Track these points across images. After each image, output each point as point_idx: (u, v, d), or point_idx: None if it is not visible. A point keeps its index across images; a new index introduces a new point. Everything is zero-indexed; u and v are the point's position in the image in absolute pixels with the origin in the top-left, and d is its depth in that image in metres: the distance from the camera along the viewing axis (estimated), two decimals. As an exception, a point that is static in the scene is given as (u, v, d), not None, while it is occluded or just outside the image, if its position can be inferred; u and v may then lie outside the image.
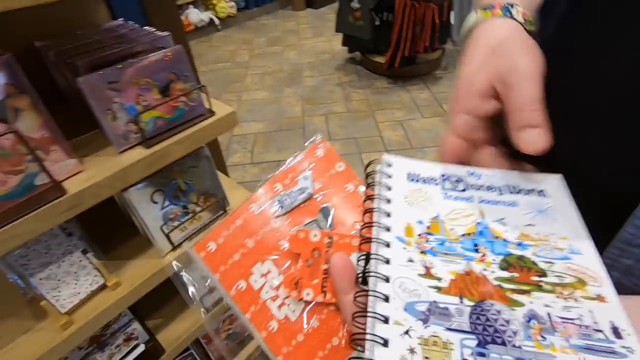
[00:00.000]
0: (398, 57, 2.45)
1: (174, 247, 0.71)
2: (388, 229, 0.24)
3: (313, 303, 0.29)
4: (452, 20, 2.38)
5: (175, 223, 0.70)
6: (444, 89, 2.52)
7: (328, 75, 2.81)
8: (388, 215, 0.25)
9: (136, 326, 0.80)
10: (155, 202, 0.66)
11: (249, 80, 2.85)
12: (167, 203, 0.68)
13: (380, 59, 2.62)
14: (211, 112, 0.66)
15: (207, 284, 0.31)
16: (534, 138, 0.23)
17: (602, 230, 0.25)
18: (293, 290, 0.29)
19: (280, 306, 0.29)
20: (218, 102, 0.69)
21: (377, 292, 0.21)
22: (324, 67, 2.93)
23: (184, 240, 0.73)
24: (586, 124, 0.30)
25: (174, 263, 0.38)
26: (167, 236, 0.69)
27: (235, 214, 0.31)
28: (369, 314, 0.21)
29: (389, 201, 0.26)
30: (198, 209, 0.73)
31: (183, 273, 0.39)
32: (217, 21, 3.74)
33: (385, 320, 0.20)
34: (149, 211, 0.65)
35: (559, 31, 0.32)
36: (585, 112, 0.29)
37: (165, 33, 0.62)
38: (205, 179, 0.73)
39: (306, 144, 0.36)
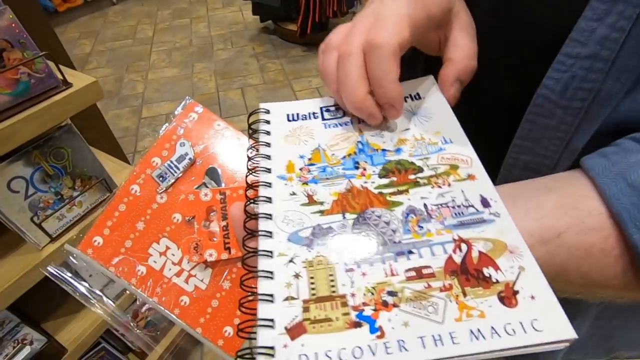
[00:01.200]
0: (309, 24, 2.41)
1: (53, 239, 0.65)
2: (269, 171, 0.25)
3: (222, 268, 0.28)
4: (357, -17, 2.39)
5: (48, 212, 0.63)
6: (358, 53, 2.56)
7: (241, 47, 2.69)
8: (268, 157, 0.26)
9: (27, 330, 0.73)
10: (15, 191, 0.59)
11: (154, 58, 2.62)
12: (32, 191, 0.61)
13: (293, 27, 2.57)
14: (67, 84, 0.59)
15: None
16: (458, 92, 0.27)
17: (502, 142, 0.27)
18: (194, 255, 0.28)
19: (187, 279, 0.28)
20: (76, 72, 0.62)
21: (261, 231, 0.22)
22: (237, 39, 2.79)
23: (66, 229, 0.67)
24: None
25: (51, 267, 0.34)
26: (41, 227, 0.62)
27: (116, 200, 0.29)
28: (257, 253, 0.21)
29: (268, 145, 0.26)
30: (75, 193, 0.67)
31: (66, 274, 0.36)
32: (111, -7, 3.34)
33: (270, 255, 0.21)
34: (8, 202, 0.58)
35: None
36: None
37: (-10, -6, 0.53)
38: (79, 160, 0.67)
39: (177, 110, 0.34)
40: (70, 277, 0.35)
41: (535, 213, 0.22)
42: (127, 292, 0.65)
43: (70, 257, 0.30)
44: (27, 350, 0.68)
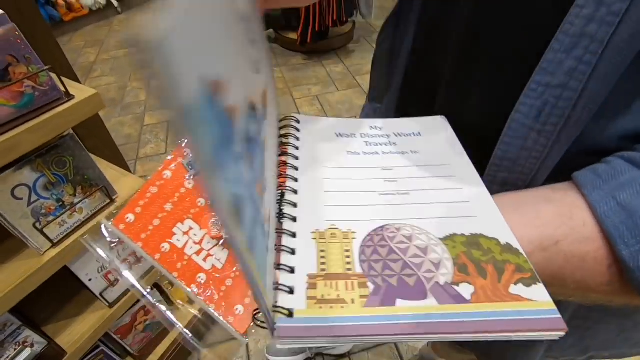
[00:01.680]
0: (309, 33, 2.45)
1: (54, 244, 0.67)
2: (296, 169, 0.28)
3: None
4: (356, -7, 2.43)
5: (50, 218, 0.66)
6: (358, 61, 2.60)
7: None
8: (296, 158, 0.29)
9: (29, 333, 0.75)
10: (18, 198, 0.61)
11: (157, 66, 2.67)
12: (35, 198, 0.64)
13: (294, 36, 2.61)
14: (69, 96, 0.61)
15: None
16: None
17: (480, 158, 0.29)
18: (213, 230, 0.31)
19: (205, 258, 0.30)
20: (78, 85, 0.65)
21: (285, 214, 0.24)
22: (239, 47, 2.84)
23: (67, 235, 0.70)
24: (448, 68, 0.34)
25: (85, 239, 0.36)
26: (42, 233, 0.65)
27: (149, 183, 0.32)
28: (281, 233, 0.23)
29: (297, 148, 0.30)
30: (76, 200, 0.69)
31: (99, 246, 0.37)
32: (115, 3, 3.41)
33: (293, 235, 0.23)
34: (12, 208, 0.61)
35: None
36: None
37: (-2, 11, 0.56)
38: (81, 168, 0.69)
39: None
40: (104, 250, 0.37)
41: (535, 221, 0.23)
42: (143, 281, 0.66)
43: (104, 230, 0.32)
44: (27, 352, 0.70)
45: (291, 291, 0.20)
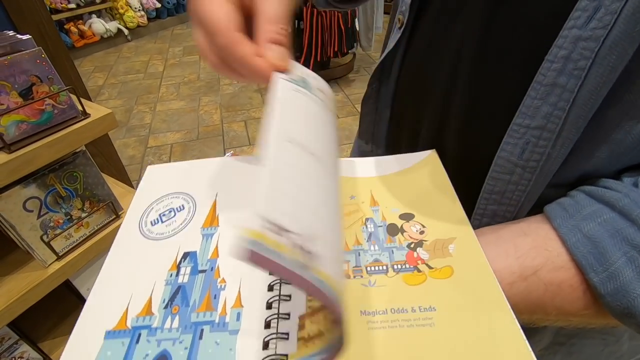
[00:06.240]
0: (311, 63, 2.56)
1: (59, 257, 0.69)
2: None
3: None
4: (357, 27, 2.56)
5: (58, 231, 0.68)
6: (357, 90, 2.69)
7: (247, 83, 2.82)
8: None
9: (26, 348, 0.75)
10: (29, 211, 0.63)
11: (163, 91, 2.75)
12: (45, 210, 0.66)
13: (296, 65, 2.71)
14: (85, 114, 0.65)
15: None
16: (276, 54, 0.25)
17: (469, 192, 0.31)
18: None
19: None
20: (94, 105, 0.68)
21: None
22: (243, 75, 2.94)
23: (72, 249, 0.71)
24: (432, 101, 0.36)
25: None
26: (49, 245, 0.66)
27: None
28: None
29: None
30: (84, 214, 0.71)
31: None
32: (126, 31, 3.56)
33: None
34: (22, 220, 0.63)
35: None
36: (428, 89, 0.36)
37: (26, 36, 0.60)
38: (90, 184, 0.72)
39: None
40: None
41: (515, 253, 0.26)
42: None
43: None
44: (25, 366, 0.69)
45: (287, 337, 0.21)
